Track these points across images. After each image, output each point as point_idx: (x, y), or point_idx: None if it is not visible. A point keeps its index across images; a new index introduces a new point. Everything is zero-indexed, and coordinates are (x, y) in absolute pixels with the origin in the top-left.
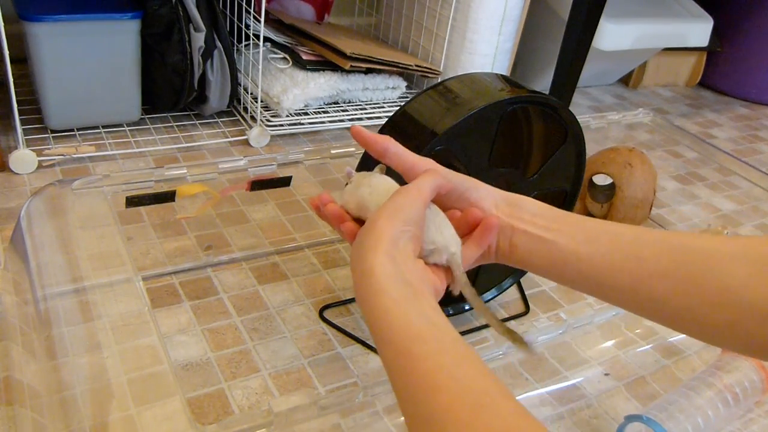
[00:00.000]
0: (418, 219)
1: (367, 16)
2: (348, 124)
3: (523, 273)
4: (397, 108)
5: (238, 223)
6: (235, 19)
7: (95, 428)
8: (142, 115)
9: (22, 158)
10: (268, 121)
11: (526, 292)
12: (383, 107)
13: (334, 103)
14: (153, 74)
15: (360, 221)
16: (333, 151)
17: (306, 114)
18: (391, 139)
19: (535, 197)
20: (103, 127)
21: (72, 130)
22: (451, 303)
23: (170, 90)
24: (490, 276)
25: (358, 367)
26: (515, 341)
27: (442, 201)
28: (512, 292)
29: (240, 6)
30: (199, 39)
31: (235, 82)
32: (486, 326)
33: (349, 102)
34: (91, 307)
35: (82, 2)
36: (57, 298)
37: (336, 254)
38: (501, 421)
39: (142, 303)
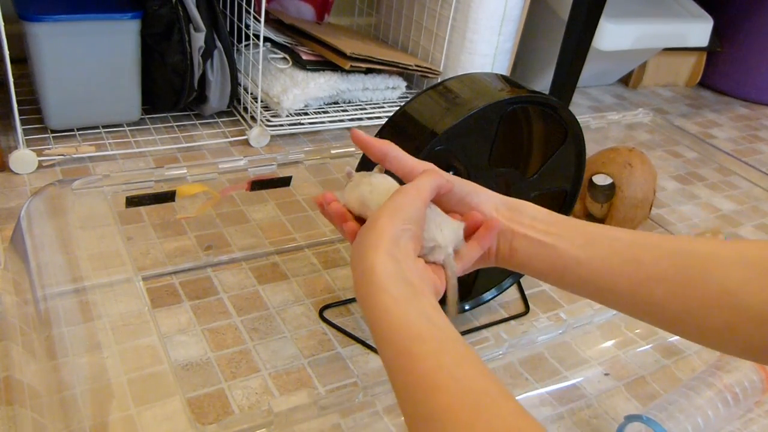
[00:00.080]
0: (419, 218)
1: (367, 16)
2: (348, 124)
3: (522, 273)
4: (397, 108)
5: (238, 223)
6: (235, 19)
7: (95, 428)
8: (142, 115)
9: (22, 158)
10: (268, 121)
11: (526, 292)
12: (383, 107)
13: (334, 103)
14: (153, 74)
15: (361, 220)
16: (333, 151)
17: (306, 114)
18: (391, 143)
19: (535, 197)
20: (103, 127)
21: (72, 130)
22: None
23: (170, 90)
24: (490, 276)
25: (358, 367)
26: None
27: (443, 204)
28: (512, 292)
29: (240, 6)
30: (199, 39)
31: (235, 82)
32: (486, 326)
33: (349, 102)
34: (91, 307)
35: (82, 2)
36: (57, 298)
37: (336, 254)
38: (501, 421)
39: (142, 303)
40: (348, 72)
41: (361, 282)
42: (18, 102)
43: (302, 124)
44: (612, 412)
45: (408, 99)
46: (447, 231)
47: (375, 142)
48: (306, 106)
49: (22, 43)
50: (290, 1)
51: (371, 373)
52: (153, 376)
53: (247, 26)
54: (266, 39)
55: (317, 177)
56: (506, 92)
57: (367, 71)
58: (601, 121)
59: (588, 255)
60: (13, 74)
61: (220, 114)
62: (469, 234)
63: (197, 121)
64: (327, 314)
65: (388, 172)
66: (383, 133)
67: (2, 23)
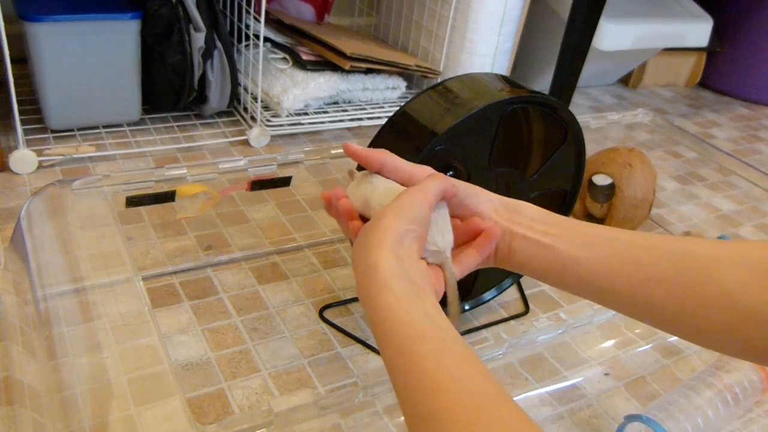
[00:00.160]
0: (423, 220)
1: (367, 16)
2: (348, 124)
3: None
4: (397, 108)
5: (238, 223)
6: (235, 19)
7: (95, 428)
8: (142, 115)
9: (22, 158)
10: (268, 121)
11: (525, 292)
12: (383, 107)
13: (334, 103)
14: (153, 74)
15: (363, 220)
16: (333, 151)
17: (306, 114)
18: (387, 152)
19: (535, 197)
20: (103, 127)
21: (72, 130)
22: None
23: (170, 90)
24: (489, 276)
25: (358, 367)
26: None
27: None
28: (512, 292)
29: (240, 6)
30: (199, 39)
31: (235, 82)
32: (486, 326)
33: (349, 102)
34: (91, 307)
35: (82, 2)
36: (57, 298)
37: (336, 254)
38: (501, 423)
39: (142, 303)
40: (348, 72)
41: (363, 279)
42: (18, 102)
43: (302, 124)
44: (612, 412)
45: (408, 99)
46: (448, 235)
47: (371, 154)
48: (306, 106)
49: (22, 43)
50: (290, 1)
51: (371, 373)
52: (153, 376)
53: (247, 26)
54: (266, 39)
55: (317, 177)
56: (506, 92)
57: (367, 71)
58: (600, 121)
59: (587, 256)
60: (13, 74)
61: (220, 114)
62: (469, 240)
63: (197, 121)
64: (327, 314)
65: None
66: (383, 133)
67: (2, 23)
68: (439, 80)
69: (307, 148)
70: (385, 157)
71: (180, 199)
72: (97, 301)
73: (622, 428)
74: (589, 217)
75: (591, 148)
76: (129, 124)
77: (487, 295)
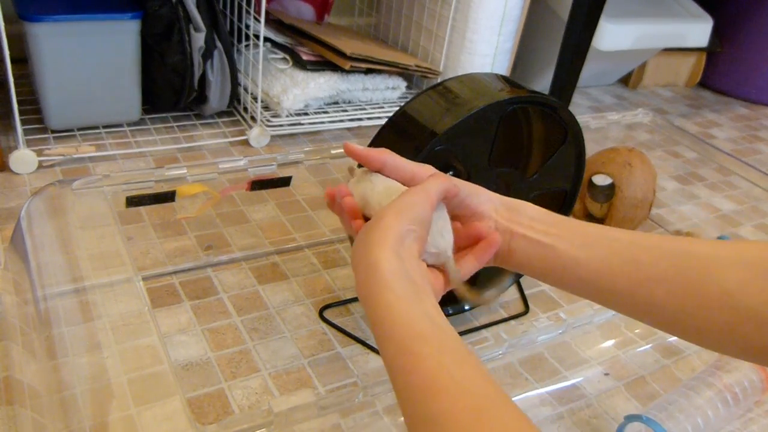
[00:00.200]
0: (425, 220)
1: (367, 16)
2: (348, 124)
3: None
4: (397, 108)
5: (238, 223)
6: (235, 19)
7: (95, 428)
8: (142, 115)
9: (22, 158)
10: (268, 121)
11: (525, 292)
12: (383, 107)
13: (334, 103)
14: (153, 74)
15: (364, 218)
16: (333, 151)
17: (306, 114)
18: (387, 150)
19: (535, 197)
20: (103, 127)
21: (72, 130)
22: (451, 303)
23: (170, 90)
24: (489, 276)
25: (358, 367)
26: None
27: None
28: (512, 292)
29: (240, 6)
30: (199, 39)
31: (235, 82)
32: (486, 326)
33: (349, 102)
34: (91, 307)
35: (82, 2)
36: (57, 298)
37: (336, 254)
38: (501, 426)
39: (142, 303)
40: (348, 72)
41: (364, 277)
42: (18, 102)
43: (302, 124)
44: (612, 412)
45: (408, 99)
46: (448, 236)
47: (371, 153)
48: (306, 106)
49: (22, 43)
50: (290, 1)
51: (371, 373)
52: (153, 376)
53: (247, 26)
54: (266, 39)
55: (317, 177)
56: (506, 92)
57: (367, 71)
58: (600, 121)
59: (587, 255)
60: (13, 74)
61: (220, 114)
62: (468, 244)
63: (197, 121)
64: (327, 314)
65: None
66: (383, 133)
67: (2, 23)
68: (439, 80)
69: (307, 148)
70: (386, 156)
71: (180, 199)
72: (97, 301)
73: (622, 428)
74: (589, 217)
75: (591, 148)
76: (129, 124)
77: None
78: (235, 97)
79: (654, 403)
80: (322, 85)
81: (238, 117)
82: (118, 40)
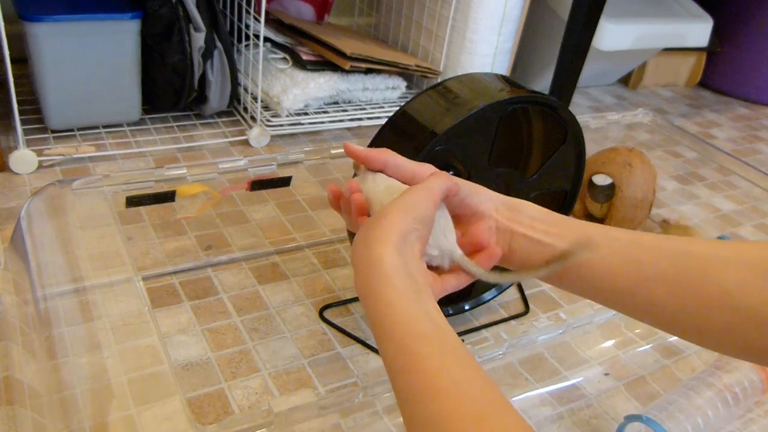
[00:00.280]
0: (428, 219)
1: (367, 16)
2: (348, 124)
3: None
4: (397, 108)
5: (238, 223)
6: (235, 19)
7: (95, 428)
8: (142, 115)
9: (22, 158)
10: (268, 121)
11: (525, 292)
12: (383, 107)
13: (334, 103)
14: (153, 74)
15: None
16: (333, 151)
17: (306, 114)
18: (388, 150)
19: (535, 197)
20: (103, 127)
21: (72, 130)
22: (451, 303)
23: (170, 90)
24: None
25: (358, 367)
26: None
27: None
28: (512, 292)
29: (240, 6)
30: (199, 39)
31: (235, 82)
32: (486, 326)
33: (349, 102)
34: (91, 307)
35: (82, 2)
36: (57, 298)
37: (336, 254)
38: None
39: (142, 303)
40: (348, 72)
41: (365, 273)
42: (18, 102)
43: (302, 124)
44: (612, 412)
45: (408, 99)
46: (450, 235)
47: (372, 153)
48: (306, 106)
49: (22, 43)
50: (290, 1)
51: (371, 373)
52: (153, 376)
53: (247, 26)
54: (266, 39)
55: (317, 177)
56: (506, 92)
57: (367, 71)
58: (600, 121)
59: (588, 255)
60: (13, 74)
61: (220, 114)
62: (469, 253)
63: (197, 121)
64: (327, 314)
65: None
66: (383, 133)
67: (2, 23)
68: (439, 80)
69: (307, 148)
70: (387, 156)
71: (180, 199)
72: (97, 301)
73: (622, 428)
74: (589, 217)
75: (591, 148)
76: (129, 124)
77: (487, 295)
78: (235, 97)
79: (654, 403)
80: (322, 85)
81: (238, 117)
82: (118, 40)
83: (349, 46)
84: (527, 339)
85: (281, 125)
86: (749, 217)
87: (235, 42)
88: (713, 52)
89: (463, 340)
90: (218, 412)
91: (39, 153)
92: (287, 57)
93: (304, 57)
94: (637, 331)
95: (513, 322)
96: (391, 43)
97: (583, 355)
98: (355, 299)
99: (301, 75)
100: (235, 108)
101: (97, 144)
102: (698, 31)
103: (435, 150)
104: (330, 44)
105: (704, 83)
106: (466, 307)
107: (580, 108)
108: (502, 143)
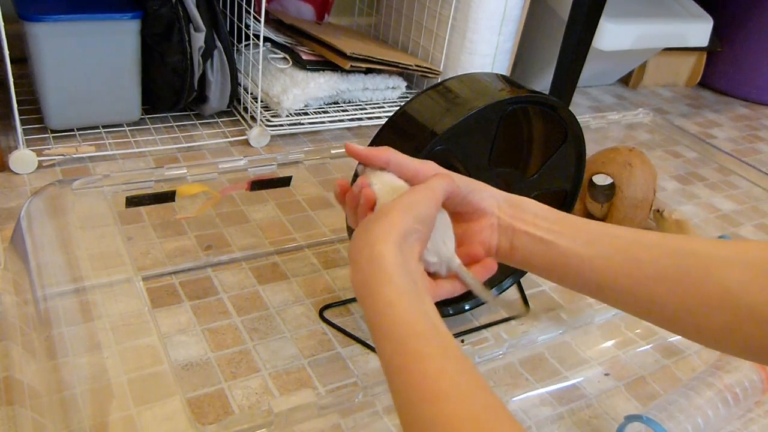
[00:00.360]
0: (429, 220)
1: (367, 16)
2: (348, 124)
3: (523, 273)
4: (397, 108)
5: (238, 223)
6: (235, 19)
7: (95, 428)
8: (142, 115)
9: (22, 158)
10: (268, 121)
11: (526, 292)
12: (383, 107)
13: (334, 103)
14: (153, 74)
15: None
16: (333, 151)
17: (306, 114)
18: (390, 149)
19: (535, 197)
20: (103, 127)
21: (72, 130)
22: (451, 303)
23: (170, 90)
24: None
25: (358, 367)
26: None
27: (446, 202)
28: (512, 292)
29: (240, 6)
30: (199, 39)
31: (235, 82)
32: (486, 326)
33: (349, 102)
34: (91, 307)
35: (82, 2)
36: (57, 298)
37: (336, 254)
38: None
39: (142, 303)
40: (348, 72)
41: (366, 270)
42: (18, 102)
43: (302, 124)
44: (612, 412)
45: (408, 99)
46: (450, 243)
47: (374, 152)
48: (306, 106)
49: (22, 43)
50: (290, 1)
51: (371, 373)
52: (153, 376)
53: (247, 26)
54: (266, 39)
55: (317, 177)
56: (506, 92)
57: (367, 71)
58: (601, 121)
59: (589, 253)
60: (13, 74)
61: (220, 114)
62: (466, 263)
63: (197, 121)
64: (327, 314)
65: None
66: (383, 133)
67: (2, 23)
68: (439, 80)
69: (307, 148)
70: (389, 154)
71: (180, 199)
72: (97, 301)
73: (622, 428)
74: (589, 217)
75: (591, 148)
76: (129, 124)
77: None
78: (235, 97)
79: (654, 403)
80: (322, 84)
81: (238, 117)
82: (118, 40)
83: (349, 45)
84: (527, 339)
85: (281, 125)
86: (749, 216)
87: (235, 42)
88: (713, 52)
89: (462, 341)
90: (218, 412)
91: (39, 153)
92: (287, 57)
93: (304, 57)
94: (637, 331)
95: (513, 322)
96: (391, 43)
97: (584, 355)
98: (355, 299)
99: (301, 75)
100: (235, 108)
101: (97, 144)
102: (698, 31)
103: (435, 150)
104: (330, 44)
105: (704, 83)
106: (467, 307)
107: (580, 108)
108: (502, 143)
